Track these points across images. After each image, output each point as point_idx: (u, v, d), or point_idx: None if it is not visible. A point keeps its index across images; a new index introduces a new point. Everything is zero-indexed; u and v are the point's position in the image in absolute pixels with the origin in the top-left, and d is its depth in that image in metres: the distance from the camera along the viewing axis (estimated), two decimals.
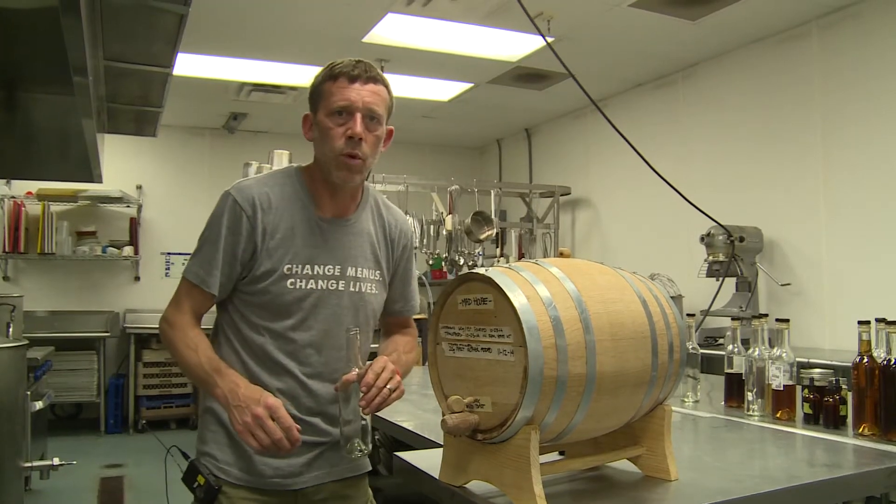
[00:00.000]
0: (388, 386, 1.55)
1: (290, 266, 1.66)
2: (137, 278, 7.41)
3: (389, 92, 1.72)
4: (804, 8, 4.61)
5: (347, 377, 1.53)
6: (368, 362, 1.57)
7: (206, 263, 1.65)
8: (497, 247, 6.58)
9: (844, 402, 1.99)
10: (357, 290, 1.74)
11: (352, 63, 1.66)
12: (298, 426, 1.55)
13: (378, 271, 1.81)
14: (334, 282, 1.71)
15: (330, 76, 1.67)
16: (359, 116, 1.64)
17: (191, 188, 7.45)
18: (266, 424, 1.48)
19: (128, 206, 7.34)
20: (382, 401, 1.55)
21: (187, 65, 5.45)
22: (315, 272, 1.68)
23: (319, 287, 1.68)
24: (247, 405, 1.50)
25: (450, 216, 5.92)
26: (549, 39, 3.61)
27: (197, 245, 1.69)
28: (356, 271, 1.75)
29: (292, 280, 1.66)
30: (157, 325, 1.72)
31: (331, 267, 1.71)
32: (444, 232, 5.93)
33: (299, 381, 1.67)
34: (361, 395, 1.53)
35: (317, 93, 1.70)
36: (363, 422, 1.53)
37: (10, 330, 3.77)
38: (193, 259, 1.68)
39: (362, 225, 1.80)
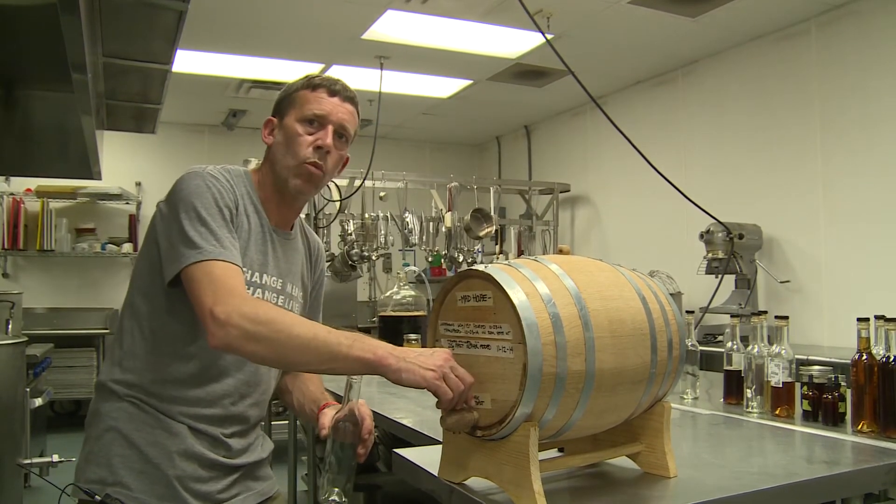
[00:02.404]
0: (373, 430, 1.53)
1: (245, 271, 1.52)
2: None
3: (359, 118, 1.68)
4: (803, 5, 4.61)
5: (338, 416, 1.45)
6: (351, 402, 1.45)
7: (215, 240, 1.43)
8: (496, 244, 6.58)
9: (843, 399, 1.99)
10: (289, 307, 1.66)
11: (333, 79, 1.63)
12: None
13: (303, 293, 1.75)
14: (275, 295, 1.62)
15: (309, 85, 1.62)
16: (331, 129, 1.60)
17: None
18: (457, 370, 1.25)
19: (127, 203, 7.34)
20: (371, 445, 1.51)
21: (186, 61, 5.45)
22: (264, 282, 1.59)
23: (265, 298, 1.59)
24: (426, 353, 1.26)
25: (449, 213, 5.92)
26: (549, 36, 3.60)
27: (185, 228, 1.44)
28: (292, 288, 1.68)
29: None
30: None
31: (275, 279, 1.63)
32: (444, 229, 5.92)
33: (233, 402, 1.57)
34: (362, 440, 1.46)
35: (289, 98, 1.63)
36: (352, 469, 1.44)
37: (10, 327, 3.77)
38: (199, 241, 1.42)
39: (298, 242, 1.74)
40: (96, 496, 1.45)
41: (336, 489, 1.41)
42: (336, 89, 1.62)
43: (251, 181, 1.64)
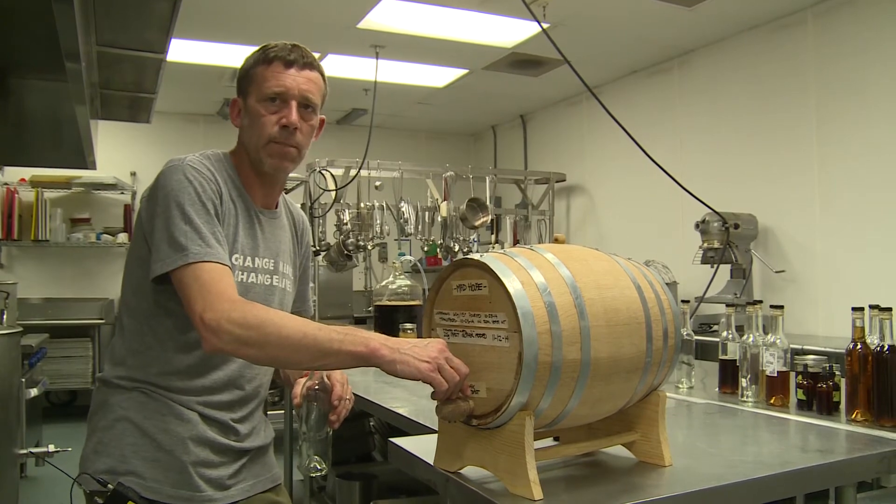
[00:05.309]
0: (348, 396, 1.54)
1: (237, 256, 1.55)
2: None
3: (324, 79, 1.63)
4: None
5: (309, 385, 1.48)
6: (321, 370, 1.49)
7: (201, 239, 1.42)
8: (492, 233, 6.58)
9: (838, 388, 2.00)
10: (283, 286, 1.67)
11: (287, 47, 1.57)
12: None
13: (292, 268, 1.74)
14: (269, 276, 1.63)
15: (264, 60, 1.56)
16: (294, 104, 1.55)
17: None
18: (452, 360, 1.25)
19: (122, 193, 7.31)
20: (346, 412, 1.53)
21: (181, 51, 5.41)
22: (256, 265, 1.60)
23: (260, 282, 1.60)
24: (420, 344, 1.26)
25: (445, 203, 5.91)
26: (545, 25, 3.60)
27: (170, 226, 1.42)
28: (284, 266, 1.68)
29: (236, 273, 1.53)
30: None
31: (268, 260, 1.63)
32: (439, 218, 5.92)
33: (239, 386, 1.59)
34: (333, 407, 1.50)
35: (248, 77, 1.58)
36: (327, 436, 1.47)
37: (4, 317, 3.76)
38: (185, 241, 1.40)
39: (284, 219, 1.74)
40: (108, 485, 1.44)
41: (316, 456, 1.44)
42: (291, 59, 1.56)
43: (231, 164, 1.62)
